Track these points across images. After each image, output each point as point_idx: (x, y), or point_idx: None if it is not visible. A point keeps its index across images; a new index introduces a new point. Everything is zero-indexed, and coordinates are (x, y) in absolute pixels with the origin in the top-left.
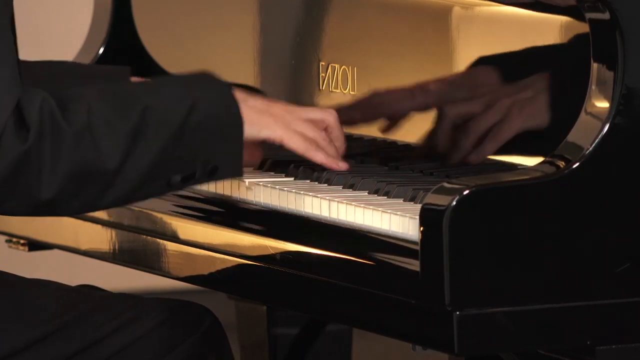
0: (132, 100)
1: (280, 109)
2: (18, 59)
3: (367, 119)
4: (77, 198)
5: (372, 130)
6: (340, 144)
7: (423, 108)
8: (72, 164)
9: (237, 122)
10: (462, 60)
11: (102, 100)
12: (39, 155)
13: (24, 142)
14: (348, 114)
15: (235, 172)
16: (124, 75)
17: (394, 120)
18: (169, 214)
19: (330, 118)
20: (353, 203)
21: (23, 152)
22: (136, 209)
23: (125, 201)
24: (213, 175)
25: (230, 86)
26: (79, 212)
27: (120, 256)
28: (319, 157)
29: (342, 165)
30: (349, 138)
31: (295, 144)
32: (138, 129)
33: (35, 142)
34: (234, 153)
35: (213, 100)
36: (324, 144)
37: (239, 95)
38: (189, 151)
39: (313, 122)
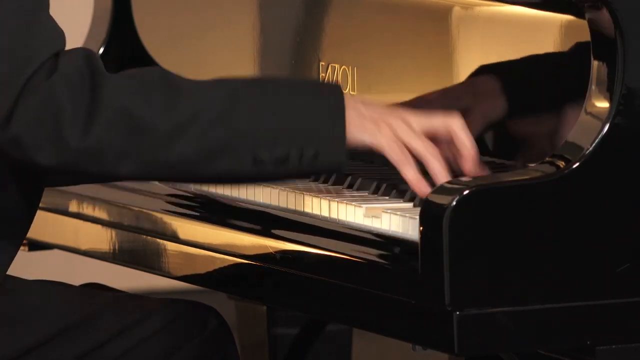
0: (207, 81)
1: (394, 116)
2: None
3: None
4: (131, 153)
5: None
6: (468, 150)
7: (423, 108)
8: (114, 113)
9: (340, 111)
10: (462, 60)
11: (167, 71)
12: (70, 99)
13: (44, 84)
14: None
15: (336, 162)
16: None
17: None
18: (169, 214)
19: (454, 122)
20: (353, 203)
21: (47, 90)
22: (136, 208)
23: (198, 165)
24: (313, 162)
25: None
26: (137, 172)
27: (120, 256)
28: (408, 174)
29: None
30: None
31: (391, 155)
32: (204, 88)
33: (61, 85)
34: (336, 140)
35: (317, 89)
36: (432, 158)
37: (351, 98)
38: (281, 128)
39: (434, 130)
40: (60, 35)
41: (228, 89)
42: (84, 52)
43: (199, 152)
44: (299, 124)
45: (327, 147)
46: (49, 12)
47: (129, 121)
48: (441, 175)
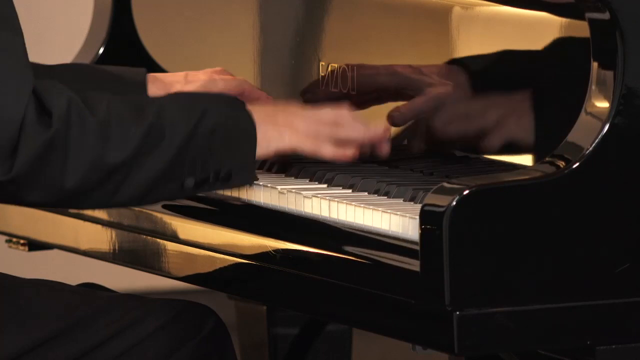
0: (148, 102)
1: (287, 115)
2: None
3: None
4: (96, 190)
5: None
6: (358, 134)
7: (424, 108)
8: (94, 153)
9: (249, 129)
10: (462, 60)
11: (120, 100)
12: (65, 143)
13: (47, 130)
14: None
15: (247, 180)
16: (141, 76)
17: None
18: (169, 214)
19: (343, 113)
20: (353, 203)
21: (48, 140)
22: (136, 208)
23: (139, 200)
24: (227, 181)
25: (240, 100)
26: (95, 206)
27: (120, 256)
28: (327, 153)
29: (352, 153)
30: None
31: (303, 147)
32: (153, 127)
33: (61, 130)
34: (246, 160)
35: (225, 108)
36: (344, 126)
37: (253, 111)
38: (202, 154)
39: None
40: (27, 68)
41: (153, 121)
42: (74, 97)
43: (142, 189)
44: (213, 147)
45: (239, 167)
46: (14, 47)
47: (102, 163)
48: (358, 132)
